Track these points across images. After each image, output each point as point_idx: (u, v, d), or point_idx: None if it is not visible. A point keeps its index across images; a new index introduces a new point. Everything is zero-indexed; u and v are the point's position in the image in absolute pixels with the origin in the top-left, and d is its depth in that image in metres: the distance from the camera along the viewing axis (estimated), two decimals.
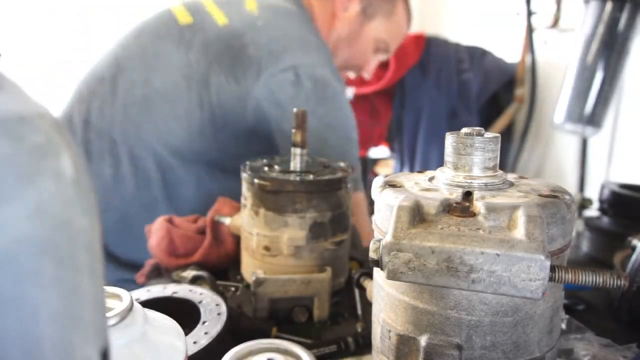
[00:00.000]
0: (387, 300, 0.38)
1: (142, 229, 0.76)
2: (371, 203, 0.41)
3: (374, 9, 1.16)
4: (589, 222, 0.86)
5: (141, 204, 0.96)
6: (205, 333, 0.47)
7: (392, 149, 1.92)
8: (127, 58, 0.97)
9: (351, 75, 1.33)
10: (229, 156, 0.97)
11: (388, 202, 0.36)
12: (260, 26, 0.96)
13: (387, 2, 1.18)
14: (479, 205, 0.34)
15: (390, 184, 0.40)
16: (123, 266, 0.96)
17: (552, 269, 0.31)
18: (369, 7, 1.15)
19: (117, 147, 0.94)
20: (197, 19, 0.97)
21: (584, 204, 0.94)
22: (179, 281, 0.64)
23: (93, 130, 0.94)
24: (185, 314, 0.51)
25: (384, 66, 1.76)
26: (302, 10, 1.08)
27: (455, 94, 1.70)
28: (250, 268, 0.63)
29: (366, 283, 0.53)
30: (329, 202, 0.62)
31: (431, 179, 0.41)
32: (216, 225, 0.73)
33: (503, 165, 1.65)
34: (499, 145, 0.39)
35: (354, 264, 0.72)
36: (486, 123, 1.69)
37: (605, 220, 0.84)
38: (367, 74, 1.28)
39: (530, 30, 1.51)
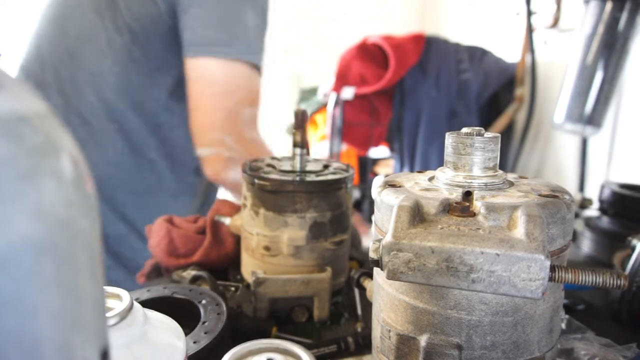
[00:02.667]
0: (387, 300, 0.38)
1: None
2: (371, 202, 0.41)
3: None
4: (589, 222, 0.86)
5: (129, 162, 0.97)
6: (205, 333, 0.47)
7: (392, 149, 1.92)
8: (45, 22, 0.98)
9: None
10: (171, 79, 0.95)
11: (388, 202, 0.36)
12: None
13: None
14: (478, 205, 0.34)
15: (390, 184, 0.40)
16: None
17: (552, 268, 0.31)
18: None
19: (68, 112, 0.94)
20: None
21: (584, 204, 0.94)
22: (179, 281, 0.64)
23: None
24: (185, 314, 0.51)
25: (384, 66, 1.76)
26: None
27: (455, 94, 1.70)
28: (250, 268, 0.64)
29: (366, 283, 0.53)
30: (329, 202, 0.62)
31: (431, 179, 0.41)
32: (216, 225, 0.73)
33: (503, 165, 1.65)
34: (499, 145, 0.39)
35: (354, 264, 0.72)
36: (486, 123, 1.69)
37: (605, 220, 0.84)
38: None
39: (530, 30, 1.51)
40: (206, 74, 0.90)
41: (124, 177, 0.99)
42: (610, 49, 1.13)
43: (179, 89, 0.96)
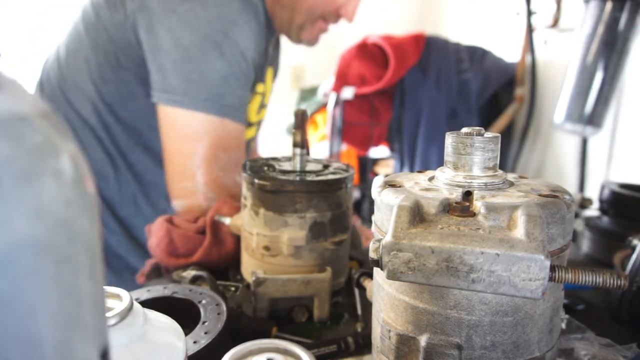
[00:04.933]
0: (387, 300, 0.38)
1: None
2: (371, 202, 0.41)
3: None
4: (589, 222, 0.86)
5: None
6: (205, 333, 0.47)
7: (392, 149, 1.92)
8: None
9: (331, 23, 1.13)
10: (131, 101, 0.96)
11: (388, 202, 0.36)
12: None
13: None
14: (478, 205, 0.34)
15: (390, 184, 0.40)
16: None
17: (552, 268, 0.31)
18: None
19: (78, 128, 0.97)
20: None
21: (584, 204, 0.94)
22: (179, 281, 0.64)
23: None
24: (185, 314, 0.51)
25: (384, 66, 1.76)
26: None
27: (455, 94, 1.70)
28: (250, 268, 0.64)
29: (366, 283, 0.53)
30: (329, 202, 0.62)
31: (431, 178, 0.41)
32: (216, 225, 0.73)
33: (503, 165, 1.65)
34: (499, 145, 0.39)
35: (354, 264, 0.72)
36: (486, 123, 1.69)
37: (605, 220, 0.84)
38: (349, 19, 1.09)
39: (530, 30, 1.51)
40: (169, 120, 0.90)
41: (103, 186, 1.00)
42: (610, 49, 1.13)
43: (152, 123, 0.96)
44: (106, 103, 0.97)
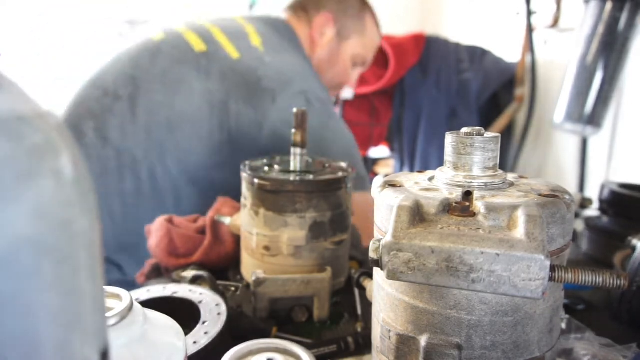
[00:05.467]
0: (387, 300, 0.38)
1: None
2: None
3: (348, 29, 1.28)
4: (589, 222, 0.86)
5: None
6: (205, 333, 0.47)
7: (392, 148, 1.92)
8: (145, 80, 1.02)
9: (334, 93, 1.42)
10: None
11: (388, 202, 0.36)
12: (268, 62, 1.08)
13: (358, 20, 1.30)
14: (479, 205, 0.34)
15: (390, 184, 0.40)
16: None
17: (552, 268, 0.31)
18: (343, 29, 1.27)
19: (138, 163, 0.99)
20: (211, 48, 1.05)
21: (584, 203, 0.93)
22: (179, 281, 0.64)
23: (112, 147, 0.98)
24: (185, 314, 0.51)
25: (384, 66, 1.76)
26: (294, 42, 1.20)
27: (455, 93, 1.70)
28: (250, 268, 0.63)
29: (366, 283, 0.53)
30: (329, 202, 0.62)
31: (431, 178, 0.41)
32: (216, 225, 0.73)
33: (503, 165, 1.65)
34: (499, 145, 0.39)
35: (354, 264, 0.72)
36: (486, 123, 1.69)
37: (605, 220, 0.84)
38: (350, 89, 1.41)
39: (530, 30, 1.51)
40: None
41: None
42: (610, 49, 1.13)
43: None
44: (204, 167, 1.02)
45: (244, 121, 1.01)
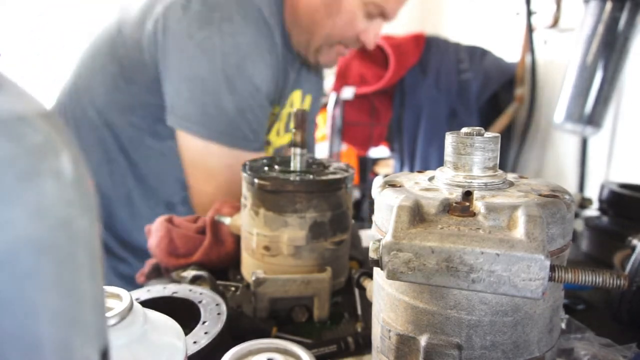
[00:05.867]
0: (387, 300, 0.38)
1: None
2: (371, 202, 0.41)
3: None
4: (589, 222, 0.86)
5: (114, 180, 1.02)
6: (205, 333, 0.47)
7: (392, 148, 1.92)
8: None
9: (350, 48, 1.10)
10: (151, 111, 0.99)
11: (388, 202, 0.36)
12: None
13: None
14: (478, 205, 0.34)
15: (390, 184, 0.40)
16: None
17: (552, 268, 0.31)
18: None
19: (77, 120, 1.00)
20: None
21: (584, 204, 0.93)
22: (179, 281, 0.64)
23: (69, 118, 1.01)
24: (185, 314, 0.51)
25: (384, 66, 1.76)
26: None
27: (455, 93, 1.70)
28: (250, 268, 0.63)
29: (366, 283, 0.53)
30: (329, 202, 0.62)
31: (431, 178, 0.41)
32: (216, 225, 0.73)
33: (503, 165, 1.65)
34: (499, 145, 0.39)
35: (354, 264, 0.72)
36: (486, 123, 1.69)
37: (605, 220, 0.84)
38: (369, 45, 1.07)
39: (530, 30, 1.51)
40: (188, 147, 0.94)
41: (100, 183, 1.01)
42: (610, 49, 1.13)
43: (158, 129, 0.99)
44: (115, 108, 0.99)
45: (131, 43, 0.94)
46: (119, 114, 0.98)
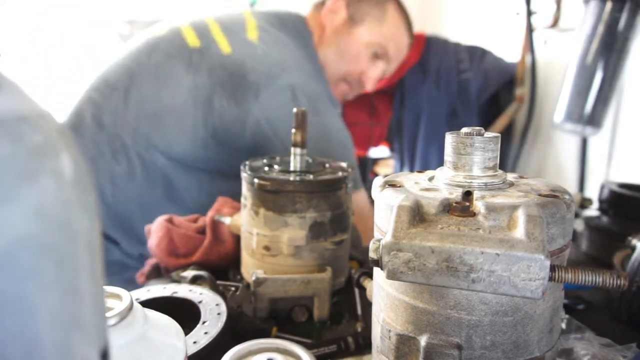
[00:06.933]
0: (387, 300, 0.38)
1: (143, 226, 0.80)
2: (372, 203, 0.41)
3: (362, 14, 1.18)
4: (589, 222, 0.86)
5: (147, 202, 1.02)
6: (205, 333, 0.47)
7: (392, 149, 1.92)
8: (140, 73, 1.03)
9: (352, 92, 1.30)
10: (229, 166, 1.02)
11: (388, 202, 0.36)
12: (260, 54, 1.04)
13: (376, 6, 1.20)
14: (478, 205, 0.34)
15: (390, 184, 0.40)
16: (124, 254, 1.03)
17: (552, 268, 0.31)
18: (356, 13, 1.18)
19: (128, 149, 1.00)
20: (204, 43, 1.05)
21: (584, 203, 0.93)
22: (179, 281, 0.64)
23: (106, 132, 1.01)
24: (185, 314, 0.51)
25: None
26: (301, 36, 1.15)
27: (455, 93, 1.70)
28: (250, 268, 0.63)
29: (366, 283, 0.53)
30: (329, 202, 0.62)
31: (431, 178, 0.41)
32: (216, 225, 0.73)
33: (503, 165, 1.65)
34: (499, 145, 0.39)
35: (354, 264, 0.72)
36: (486, 123, 1.68)
37: (605, 220, 0.84)
38: (369, 86, 1.24)
39: (530, 30, 1.51)
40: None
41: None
42: (610, 49, 1.13)
43: (220, 171, 1.03)
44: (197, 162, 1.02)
45: (228, 117, 0.99)
46: (193, 165, 1.02)
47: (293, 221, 0.61)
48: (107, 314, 0.30)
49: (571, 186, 1.40)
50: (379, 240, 0.33)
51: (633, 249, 0.62)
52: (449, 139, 0.39)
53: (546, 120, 1.55)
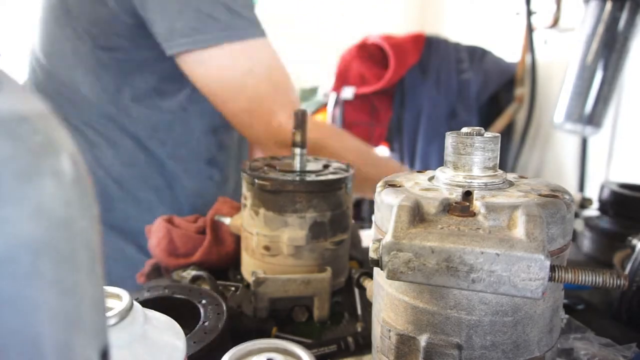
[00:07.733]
0: (387, 300, 0.38)
1: None
2: (371, 202, 0.41)
3: None
4: (589, 222, 0.86)
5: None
6: (205, 333, 0.47)
7: (392, 149, 1.92)
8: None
9: None
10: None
11: (388, 202, 0.36)
12: None
13: None
14: (478, 205, 0.34)
15: (390, 184, 0.40)
16: None
17: (552, 268, 0.31)
18: None
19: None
20: None
21: (584, 204, 0.93)
22: (179, 281, 0.64)
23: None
24: (185, 314, 0.51)
25: (384, 66, 1.76)
26: None
27: (455, 93, 1.70)
28: (250, 268, 0.63)
29: (366, 283, 0.53)
30: (329, 202, 0.62)
31: (431, 178, 0.41)
32: (216, 225, 0.73)
33: (503, 165, 1.65)
34: (499, 145, 0.39)
35: (354, 264, 0.72)
36: (486, 123, 1.68)
37: (605, 220, 0.84)
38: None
39: (530, 30, 1.51)
40: (201, 68, 0.85)
41: (141, 175, 0.99)
42: (610, 49, 1.13)
43: (164, 86, 0.94)
44: (108, 91, 0.94)
45: (92, 13, 0.88)
46: (118, 93, 0.93)
47: (293, 221, 0.61)
48: (107, 314, 0.30)
49: (571, 186, 1.40)
50: (379, 240, 0.33)
51: (633, 249, 0.62)
52: (449, 138, 0.39)
53: (546, 120, 1.55)
